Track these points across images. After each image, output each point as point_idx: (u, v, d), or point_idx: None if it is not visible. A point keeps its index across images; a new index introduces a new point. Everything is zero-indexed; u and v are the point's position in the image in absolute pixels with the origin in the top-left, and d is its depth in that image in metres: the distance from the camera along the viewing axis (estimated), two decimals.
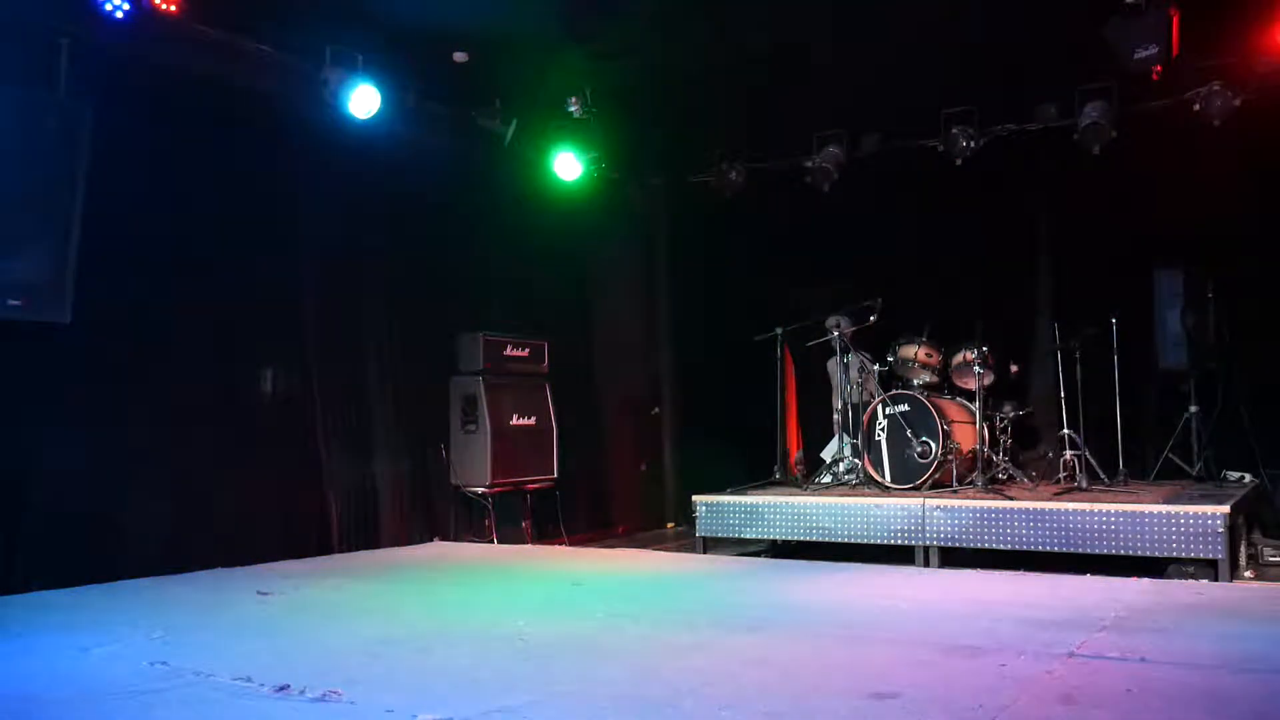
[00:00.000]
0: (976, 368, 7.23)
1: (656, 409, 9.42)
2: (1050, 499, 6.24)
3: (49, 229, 5.31)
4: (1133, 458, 7.43)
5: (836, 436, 7.97)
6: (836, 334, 7.88)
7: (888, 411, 7.25)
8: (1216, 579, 5.50)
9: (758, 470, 8.03)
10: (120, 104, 5.65)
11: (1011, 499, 6.27)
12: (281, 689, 3.27)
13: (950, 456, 7.03)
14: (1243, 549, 6.14)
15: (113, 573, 5.47)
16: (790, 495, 7.03)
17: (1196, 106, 7.07)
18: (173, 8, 5.68)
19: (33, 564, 5.29)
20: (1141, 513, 5.76)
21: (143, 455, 5.82)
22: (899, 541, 6.42)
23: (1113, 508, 5.86)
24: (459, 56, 7.14)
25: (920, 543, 6.35)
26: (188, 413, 6.06)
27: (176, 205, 6.04)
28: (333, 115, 6.61)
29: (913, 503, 6.44)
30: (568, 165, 8.26)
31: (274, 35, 6.35)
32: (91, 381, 5.64)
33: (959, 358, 7.59)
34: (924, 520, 6.34)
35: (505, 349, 7.85)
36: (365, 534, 7.02)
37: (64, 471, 5.48)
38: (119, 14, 5.47)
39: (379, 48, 6.67)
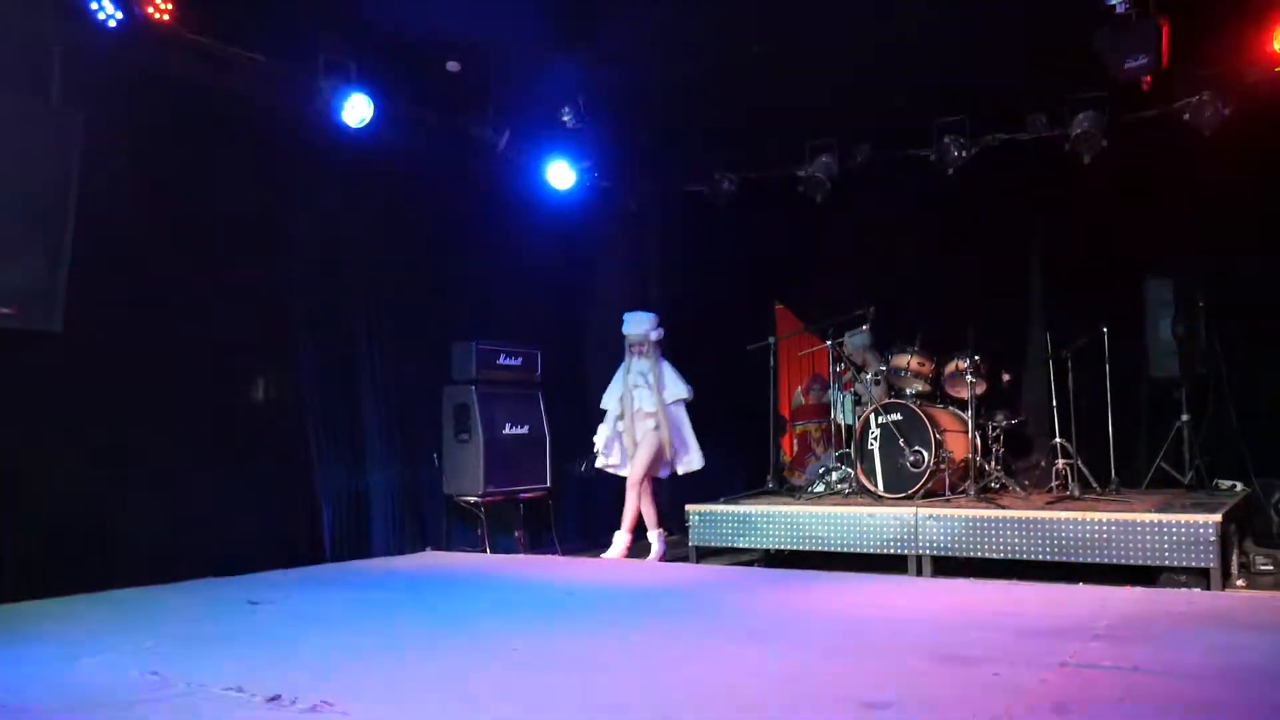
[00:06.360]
0: (969, 377, 7.24)
1: None
2: (1042, 508, 6.25)
3: (41, 237, 5.30)
4: (1125, 466, 7.45)
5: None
6: (829, 343, 7.94)
7: (880, 421, 7.26)
8: (1209, 588, 5.50)
9: (751, 479, 8.03)
10: (113, 112, 5.64)
11: (1004, 508, 6.28)
12: (273, 699, 3.26)
13: (943, 465, 7.04)
14: (1235, 558, 6.14)
15: (104, 582, 5.43)
16: (783, 504, 7.03)
17: (1187, 116, 7.11)
18: (165, 17, 5.67)
19: (23, 573, 5.25)
20: (1133, 521, 5.77)
21: (134, 464, 5.80)
22: (892, 550, 6.42)
23: (1105, 516, 5.87)
24: (452, 65, 7.15)
25: (913, 552, 6.35)
26: (179, 421, 6.05)
27: (169, 213, 6.02)
28: (326, 123, 6.61)
29: (905, 512, 6.45)
30: (561, 174, 8.28)
31: (267, 44, 6.34)
32: (83, 390, 5.62)
33: (951, 367, 7.61)
34: (917, 529, 6.35)
35: (498, 357, 7.84)
36: (357, 543, 7.00)
37: (55, 480, 5.45)
38: (111, 23, 5.47)
39: (372, 56, 6.69)
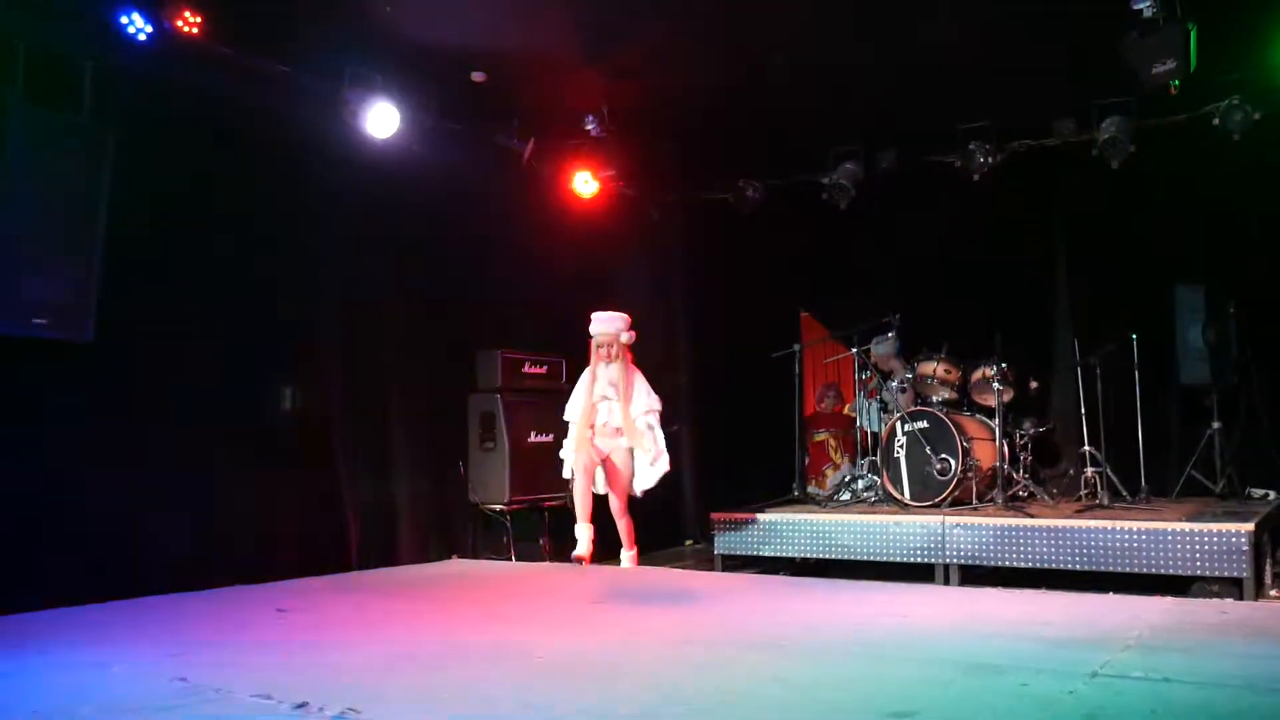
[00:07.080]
0: (996, 384, 7.19)
1: (675, 426, 9.41)
2: (1071, 516, 6.19)
3: (73, 248, 5.37)
4: (1155, 475, 7.37)
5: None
6: (855, 351, 7.92)
7: (907, 429, 7.22)
8: (1241, 598, 5.44)
9: (776, 487, 8.01)
10: (142, 125, 5.72)
11: (1032, 516, 6.23)
12: (300, 706, 3.27)
13: (970, 474, 6.99)
14: (1268, 567, 6.06)
15: (133, 590, 5.49)
16: (809, 513, 7.01)
17: (1215, 121, 7.06)
18: (194, 30, 5.76)
19: (54, 581, 5.31)
20: (1164, 530, 5.71)
21: (163, 473, 5.86)
22: (919, 559, 6.38)
23: (1135, 525, 5.81)
24: (477, 76, 7.19)
25: (940, 560, 6.31)
26: (208, 430, 6.10)
27: (197, 225, 6.09)
28: (352, 135, 6.67)
29: (932, 520, 6.40)
30: (585, 183, 8.30)
31: (294, 56, 6.41)
32: (113, 399, 5.68)
33: (978, 374, 7.57)
34: (944, 538, 6.30)
35: (523, 366, 7.87)
36: (384, 551, 7.03)
37: (85, 489, 5.51)
38: (141, 36, 5.56)
39: (398, 68, 6.74)
